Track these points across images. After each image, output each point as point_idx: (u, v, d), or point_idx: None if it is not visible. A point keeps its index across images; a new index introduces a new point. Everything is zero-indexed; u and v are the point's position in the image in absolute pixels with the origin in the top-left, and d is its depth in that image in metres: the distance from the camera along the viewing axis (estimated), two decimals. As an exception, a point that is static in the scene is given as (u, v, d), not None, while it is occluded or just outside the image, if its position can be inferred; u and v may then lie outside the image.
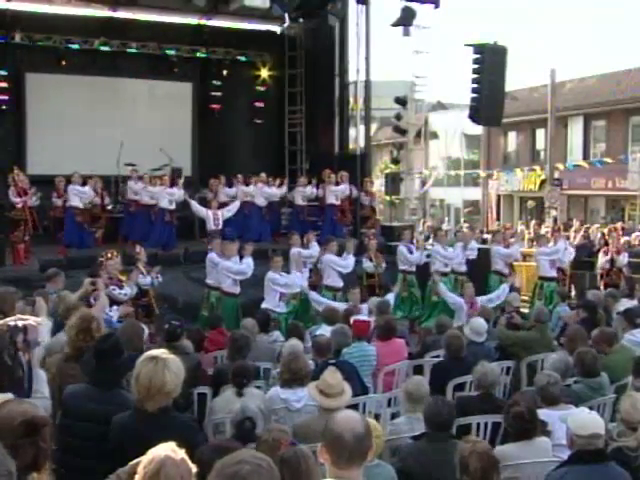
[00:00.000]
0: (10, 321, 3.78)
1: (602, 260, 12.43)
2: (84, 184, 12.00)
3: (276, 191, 14.00)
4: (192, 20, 16.27)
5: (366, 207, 14.42)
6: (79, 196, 11.77)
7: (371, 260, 11.36)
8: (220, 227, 12.19)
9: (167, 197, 12.30)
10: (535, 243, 13.01)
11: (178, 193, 12.40)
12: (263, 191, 13.68)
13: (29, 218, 11.06)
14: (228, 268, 9.50)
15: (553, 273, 11.26)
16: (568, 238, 13.79)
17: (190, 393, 5.33)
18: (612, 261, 12.27)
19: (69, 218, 11.84)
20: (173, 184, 12.63)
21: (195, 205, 12.48)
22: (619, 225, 17.50)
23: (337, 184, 13.59)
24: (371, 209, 14.47)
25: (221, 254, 9.72)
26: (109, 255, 8.19)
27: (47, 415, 3.77)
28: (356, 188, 14.03)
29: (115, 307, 8.23)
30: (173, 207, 12.45)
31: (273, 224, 14.13)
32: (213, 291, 9.93)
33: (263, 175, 13.97)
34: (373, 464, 3.57)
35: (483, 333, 6.72)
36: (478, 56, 14.11)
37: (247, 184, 13.68)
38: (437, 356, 6.60)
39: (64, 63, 14.59)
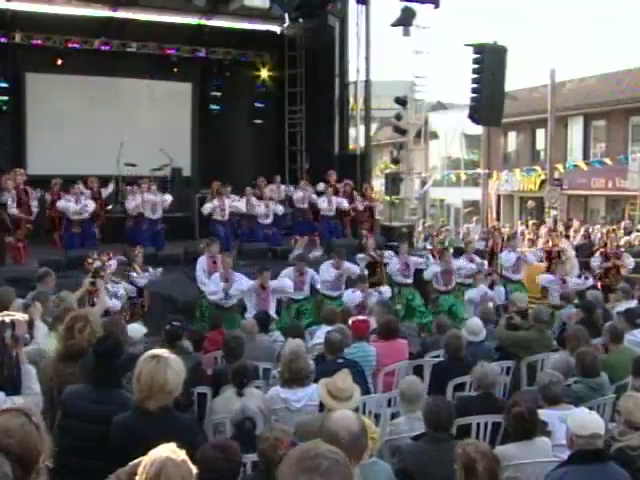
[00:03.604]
0: None
1: (596, 262, 12.14)
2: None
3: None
4: (192, 20, 16.28)
5: (363, 212, 14.19)
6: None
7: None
8: (226, 218, 12.15)
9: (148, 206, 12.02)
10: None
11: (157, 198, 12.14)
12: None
13: (27, 218, 11.05)
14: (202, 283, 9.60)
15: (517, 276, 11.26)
16: (568, 237, 13.77)
17: (191, 393, 5.34)
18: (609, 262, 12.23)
19: (67, 221, 11.72)
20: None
21: (205, 207, 12.36)
22: (621, 225, 17.45)
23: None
24: (369, 213, 14.29)
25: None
26: (97, 258, 8.39)
27: (38, 412, 3.77)
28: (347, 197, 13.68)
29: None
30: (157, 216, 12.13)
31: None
32: None
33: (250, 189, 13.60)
34: (370, 462, 3.57)
35: (479, 332, 6.71)
36: (478, 56, 14.12)
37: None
38: (437, 356, 6.60)
39: (64, 63, 14.59)
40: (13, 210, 10.56)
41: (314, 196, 13.17)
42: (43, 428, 2.48)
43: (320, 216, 13.12)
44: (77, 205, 11.38)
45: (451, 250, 12.92)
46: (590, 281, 10.82)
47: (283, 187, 13.89)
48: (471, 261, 11.12)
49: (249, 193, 12.81)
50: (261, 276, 9.13)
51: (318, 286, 10.26)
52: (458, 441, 3.98)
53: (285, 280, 9.55)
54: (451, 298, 10.97)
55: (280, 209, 12.90)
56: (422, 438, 4.15)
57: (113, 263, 9.02)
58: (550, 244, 12.83)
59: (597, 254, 12.41)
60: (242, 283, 9.14)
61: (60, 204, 11.47)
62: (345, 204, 13.07)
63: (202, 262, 9.81)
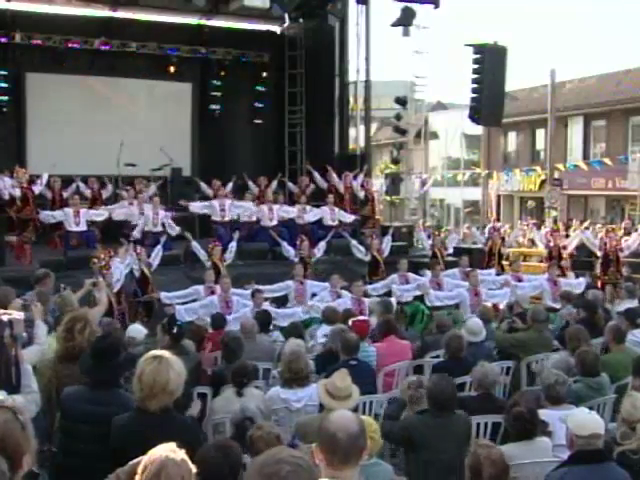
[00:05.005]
0: None
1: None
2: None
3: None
4: (192, 20, 16.28)
5: (366, 206, 14.29)
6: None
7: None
8: (227, 218, 12.09)
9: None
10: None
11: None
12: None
13: (35, 217, 11.09)
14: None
15: None
16: (567, 238, 13.74)
17: (190, 393, 5.33)
18: (608, 260, 12.20)
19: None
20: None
21: (194, 206, 12.36)
22: (622, 225, 17.40)
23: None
24: (371, 209, 14.40)
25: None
26: (101, 256, 8.44)
27: (37, 409, 3.77)
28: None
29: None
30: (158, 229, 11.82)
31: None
32: None
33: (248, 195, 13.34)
34: (371, 462, 3.57)
35: (479, 333, 6.69)
36: (478, 56, 14.14)
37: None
38: (437, 356, 6.60)
39: (64, 63, 14.58)
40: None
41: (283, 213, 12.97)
42: (30, 429, 2.43)
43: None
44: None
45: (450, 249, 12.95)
46: (583, 282, 10.79)
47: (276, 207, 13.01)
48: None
49: (248, 199, 12.82)
50: (255, 299, 8.87)
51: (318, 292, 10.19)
52: (461, 413, 4.25)
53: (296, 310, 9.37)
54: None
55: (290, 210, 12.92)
56: (425, 413, 4.30)
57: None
58: (552, 244, 12.80)
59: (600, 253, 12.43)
60: (245, 305, 8.99)
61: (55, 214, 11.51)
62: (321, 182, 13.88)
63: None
